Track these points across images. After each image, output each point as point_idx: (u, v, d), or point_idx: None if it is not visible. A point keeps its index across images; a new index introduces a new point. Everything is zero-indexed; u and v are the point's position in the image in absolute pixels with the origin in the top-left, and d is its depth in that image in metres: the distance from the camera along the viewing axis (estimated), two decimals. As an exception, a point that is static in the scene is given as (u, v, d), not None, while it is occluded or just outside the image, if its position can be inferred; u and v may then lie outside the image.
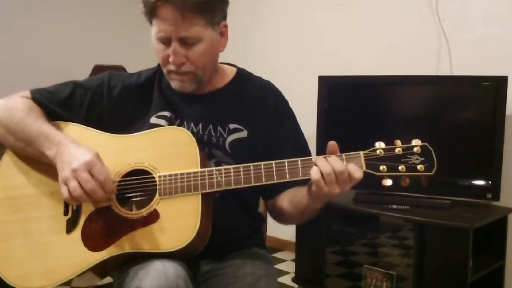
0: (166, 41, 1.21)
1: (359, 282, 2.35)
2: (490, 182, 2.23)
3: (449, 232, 2.07)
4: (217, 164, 1.27)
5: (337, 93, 2.57)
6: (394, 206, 2.24)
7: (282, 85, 1.41)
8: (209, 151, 1.28)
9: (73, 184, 1.08)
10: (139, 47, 3.90)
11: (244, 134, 1.30)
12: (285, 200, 1.27)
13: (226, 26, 1.28)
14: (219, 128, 1.30)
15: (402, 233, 2.31)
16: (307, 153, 1.35)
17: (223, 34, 1.28)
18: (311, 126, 2.42)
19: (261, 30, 3.40)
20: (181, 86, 1.26)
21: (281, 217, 1.31)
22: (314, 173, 1.06)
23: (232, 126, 1.30)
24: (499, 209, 2.30)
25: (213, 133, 1.29)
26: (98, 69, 3.02)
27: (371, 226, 2.42)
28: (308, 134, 1.40)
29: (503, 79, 2.19)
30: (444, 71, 2.61)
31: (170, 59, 1.21)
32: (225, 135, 1.29)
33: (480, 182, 2.26)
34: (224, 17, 1.28)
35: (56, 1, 3.55)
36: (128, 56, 3.45)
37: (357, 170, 1.06)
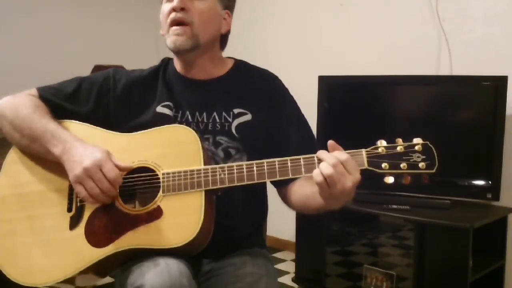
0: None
1: (359, 282, 2.35)
2: (490, 182, 2.23)
3: (449, 232, 2.07)
4: (225, 151, 1.28)
5: (337, 93, 2.57)
6: (394, 206, 2.24)
7: (282, 85, 1.41)
8: (215, 139, 1.29)
9: (91, 184, 1.10)
10: (139, 47, 3.91)
11: (248, 117, 1.31)
12: (299, 198, 1.26)
13: (229, 15, 1.36)
14: (223, 113, 1.31)
15: (402, 233, 2.31)
16: (312, 137, 1.38)
17: (225, 20, 1.34)
18: (311, 126, 2.42)
19: (261, 30, 3.40)
20: (177, 40, 1.26)
21: (294, 207, 1.31)
22: (326, 168, 1.03)
23: (236, 110, 1.31)
24: (499, 209, 2.30)
25: (217, 120, 1.30)
26: (98, 69, 3.01)
27: (371, 226, 2.42)
28: (308, 134, 1.41)
29: (503, 79, 2.19)
30: (444, 71, 2.61)
31: (172, 4, 1.24)
32: (230, 120, 1.30)
33: (480, 182, 2.26)
34: (228, 7, 1.35)
35: (56, 1, 3.55)
36: (128, 56, 3.46)
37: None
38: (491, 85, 2.23)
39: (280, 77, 1.40)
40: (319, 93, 2.56)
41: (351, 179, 1.04)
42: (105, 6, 3.78)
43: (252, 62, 1.43)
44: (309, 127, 1.39)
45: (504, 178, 2.23)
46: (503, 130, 2.19)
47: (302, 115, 1.39)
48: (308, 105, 2.44)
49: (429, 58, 2.66)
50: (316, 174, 1.05)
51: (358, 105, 2.55)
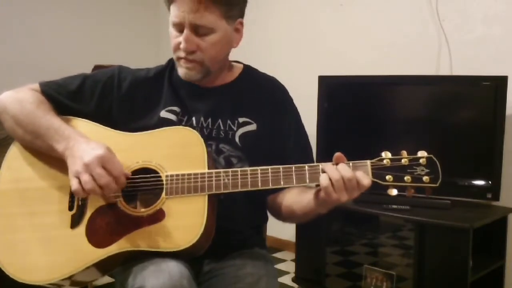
0: (180, 28, 1.22)
1: (359, 282, 2.35)
2: (490, 182, 2.23)
3: (449, 232, 2.07)
4: (226, 159, 1.28)
5: (337, 93, 2.57)
6: (394, 206, 2.24)
7: (282, 85, 1.41)
8: (217, 147, 1.29)
9: (86, 177, 1.08)
10: (139, 47, 3.91)
11: (253, 127, 1.31)
12: (289, 200, 1.27)
13: (241, 24, 1.31)
14: (228, 122, 1.30)
15: (402, 233, 2.31)
16: (308, 149, 1.37)
17: (238, 31, 1.30)
18: (311, 126, 2.42)
19: (261, 30, 3.40)
20: (187, 73, 1.26)
21: (281, 215, 1.32)
22: (324, 180, 1.07)
23: (241, 119, 1.31)
24: (499, 209, 2.31)
25: (222, 127, 1.30)
26: (98, 69, 3.01)
27: (371, 226, 2.42)
28: (308, 134, 1.41)
29: (503, 79, 2.19)
30: (444, 71, 2.61)
31: (181, 46, 1.22)
32: (234, 129, 1.30)
33: (480, 182, 2.27)
34: (241, 15, 1.29)
35: (56, 1, 3.55)
36: (128, 56, 3.45)
37: (365, 177, 1.07)
38: (491, 85, 2.23)
39: (280, 77, 1.41)
40: (319, 93, 2.56)
41: (346, 197, 1.07)
42: (105, 6, 3.78)
43: (252, 62, 1.42)
44: (307, 138, 1.39)
45: (504, 178, 2.23)
46: (503, 130, 2.19)
47: (302, 126, 1.39)
48: (308, 105, 2.45)
49: (429, 58, 2.66)
50: (324, 178, 1.07)
51: (358, 105, 2.55)
